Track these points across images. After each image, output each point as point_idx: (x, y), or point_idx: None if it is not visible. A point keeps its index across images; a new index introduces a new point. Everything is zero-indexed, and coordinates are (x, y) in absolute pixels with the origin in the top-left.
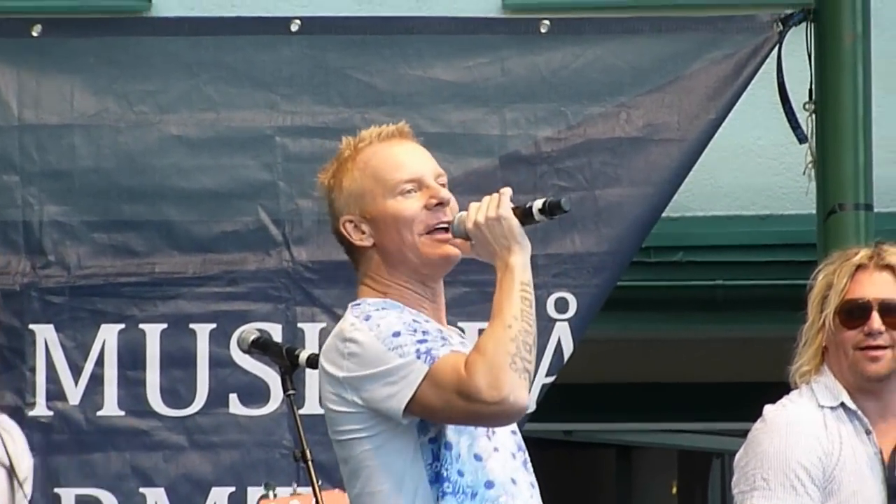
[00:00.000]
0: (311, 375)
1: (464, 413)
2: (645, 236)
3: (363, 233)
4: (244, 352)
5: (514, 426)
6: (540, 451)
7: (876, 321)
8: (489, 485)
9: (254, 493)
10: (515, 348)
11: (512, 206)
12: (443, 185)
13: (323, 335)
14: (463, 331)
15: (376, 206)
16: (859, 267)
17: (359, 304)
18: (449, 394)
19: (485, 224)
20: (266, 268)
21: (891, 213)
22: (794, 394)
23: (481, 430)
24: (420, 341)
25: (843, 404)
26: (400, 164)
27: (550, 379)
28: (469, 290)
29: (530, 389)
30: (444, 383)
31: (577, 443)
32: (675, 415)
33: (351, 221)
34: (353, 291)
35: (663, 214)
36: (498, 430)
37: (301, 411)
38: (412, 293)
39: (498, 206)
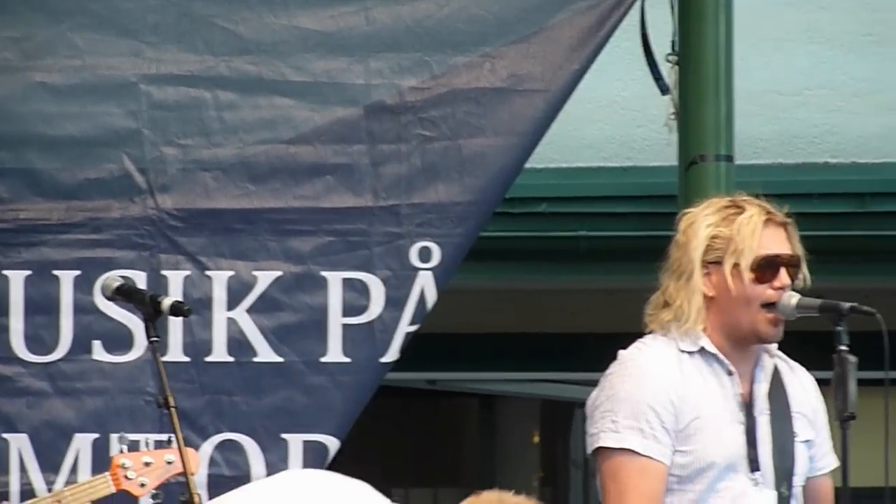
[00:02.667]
0: (175, 322)
1: None
2: (508, 187)
3: None
4: (108, 299)
5: None
6: (403, 400)
7: (785, 276)
8: None
9: (117, 439)
10: None
11: None
12: None
13: (186, 283)
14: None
15: None
16: (765, 222)
17: None
18: None
19: None
20: (130, 215)
21: (751, 166)
22: (648, 338)
23: None
24: None
25: (702, 349)
26: None
27: (414, 328)
28: (334, 239)
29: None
30: None
31: (440, 392)
32: (538, 364)
33: None
34: (219, 239)
35: (527, 165)
36: None
37: (164, 358)
38: None
39: None
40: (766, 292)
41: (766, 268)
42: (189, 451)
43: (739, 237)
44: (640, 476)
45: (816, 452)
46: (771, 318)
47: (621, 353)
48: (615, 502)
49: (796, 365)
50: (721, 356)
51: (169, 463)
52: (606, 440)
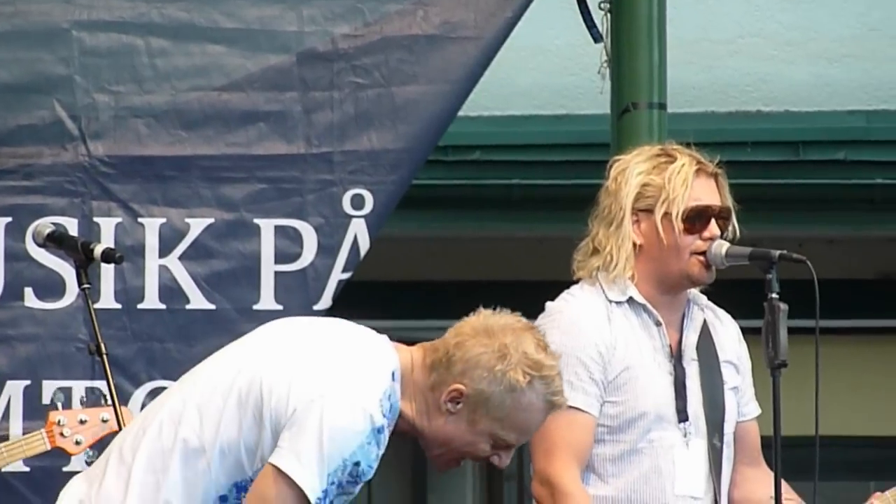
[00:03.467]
0: (107, 269)
1: None
2: (441, 134)
3: (455, 406)
4: (39, 245)
5: None
6: None
7: (714, 227)
8: None
9: (49, 386)
10: None
11: None
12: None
13: (118, 230)
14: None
15: (483, 423)
16: (696, 172)
17: (392, 381)
18: None
19: None
20: (62, 162)
21: (684, 114)
22: (575, 288)
23: None
24: (337, 484)
25: (631, 298)
26: (525, 429)
27: (346, 275)
28: (265, 186)
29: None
30: None
31: None
32: (472, 312)
33: (459, 394)
34: (151, 186)
35: (460, 113)
36: None
37: (96, 305)
38: None
39: None
40: (696, 242)
41: (696, 218)
42: (124, 409)
43: (671, 186)
44: (568, 428)
45: (741, 399)
46: (702, 260)
47: (549, 304)
48: (543, 456)
49: (722, 313)
50: (649, 307)
51: (104, 421)
52: None
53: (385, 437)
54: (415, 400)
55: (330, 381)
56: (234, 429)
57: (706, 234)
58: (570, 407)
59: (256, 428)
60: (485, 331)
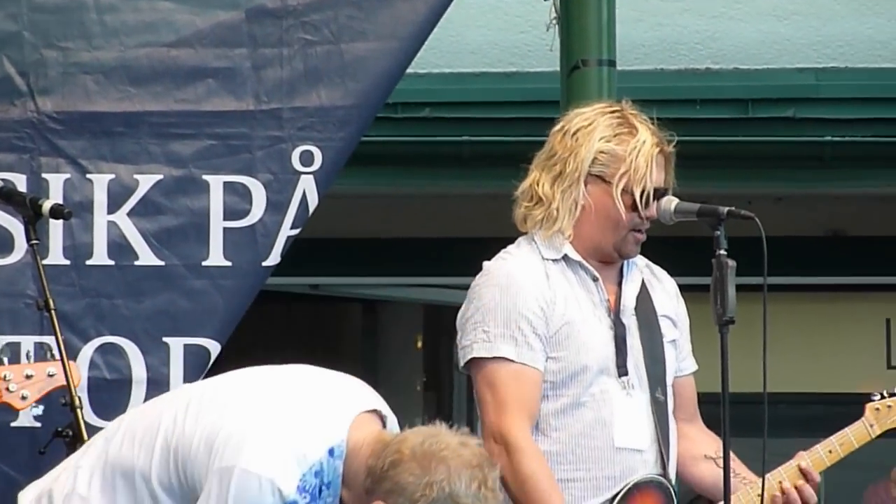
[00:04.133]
0: (55, 225)
1: None
2: (390, 91)
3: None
4: None
5: None
6: (286, 304)
7: (653, 209)
8: None
9: (2, 347)
10: None
11: None
12: None
13: (67, 186)
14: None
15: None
16: (659, 151)
17: (332, 457)
18: None
19: None
20: (10, 118)
21: (633, 72)
22: (512, 247)
23: None
24: None
25: (565, 256)
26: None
27: (295, 231)
28: (215, 143)
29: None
30: None
31: (323, 297)
32: (421, 269)
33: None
34: (100, 142)
35: (410, 70)
36: None
37: (45, 261)
38: None
39: None
40: (636, 219)
41: (648, 199)
42: (71, 364)
43: (634, 165)
44: (517, 382)
45: (679, 354)
46: (638, 237)
47: (486, 264)
48: (494, 411)
49: (659, 270)
50: (585, 263)
51: (51, 376)
52: (479, 350)
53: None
54: (352, 489)
55: (247, 451)
56: (161, 472)
57: (649, 212)
58: (517, 362)
59: (177, 479)
60: (423, 456)
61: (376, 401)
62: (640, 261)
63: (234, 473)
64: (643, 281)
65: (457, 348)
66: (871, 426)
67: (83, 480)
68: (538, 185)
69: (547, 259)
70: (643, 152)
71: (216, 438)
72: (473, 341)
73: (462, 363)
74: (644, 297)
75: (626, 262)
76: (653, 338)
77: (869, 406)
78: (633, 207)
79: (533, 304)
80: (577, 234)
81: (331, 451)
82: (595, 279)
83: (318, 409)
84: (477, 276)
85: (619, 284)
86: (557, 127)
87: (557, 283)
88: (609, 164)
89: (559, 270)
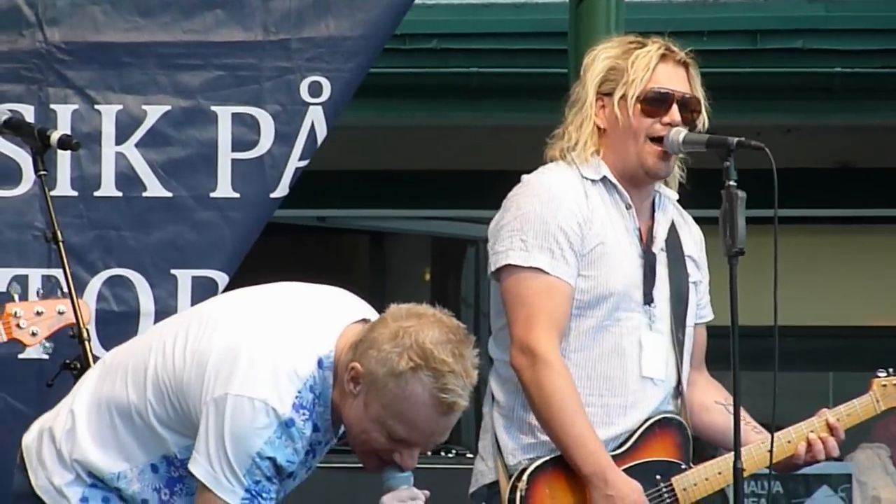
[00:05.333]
0: (63, 157)
1: None
2: (399, 21)
3: (355, 388)
4: None
5: None
6: (294, 237)
7: (676, 113)
8: None
9: (5, 274)
10: None
11: None
12: (420, 449)
13: (75, 117)
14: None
15: (372, 405)
16: (662, 57)
17: (321, 367)
18: None
19: None
20: (18, 48)
21: (641, 2)
22: (551, 164)
23: None
24: (264, 480)
25: (605, 178)
26: (412, 424)
27: (304, 163)
28: (223, 73)
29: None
30: None
31: (330, 229)
32: (430, 202)
33: (355, 372)
34: (108, 73)
35: (418, 1)
36: None
37: (53, 192)
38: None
39: None
40: (654, 126)
41: (654, 102)
42: (81, 302)
43: (632, 69)
44: (548, 297)
45: (701, 300)
46: (658, 151)
47: (525, 176)
48: (523, 324)
49: (688, 216)
50: (621, 188)
51: (60, 313)
52: (515, 258)
53: (302, 429)
54: (339, 385)
55: (237, 376)
56: (156, 409)
57: (666, 119)
58: (551, 275)
59: (172, 410)
60: (400, 315)
61: (366, 310)
62: (673, 198)
63: (227, 401)
64: (673, 221)
65: (471, 277)
66: (878, 402)
67: (82, 418)
68: (563, 123)
69: (586, 178)
70: (643, 57)
71: (206, 368)
72: (509, 248)
73: (493, 268)
74: (673, 235)
75: (658, 196)
76: (679, 275)
77: (876, 381)
78: (645, 112)
79: (571, 220)
80: (605, 157)
81: (319, 363)
82: (628, 206)
83: (305, 324)
84: (515, 188)
85: (652, 218)
86: None
87: (595, 203)
88: (615, 79)
89: (597, 191)
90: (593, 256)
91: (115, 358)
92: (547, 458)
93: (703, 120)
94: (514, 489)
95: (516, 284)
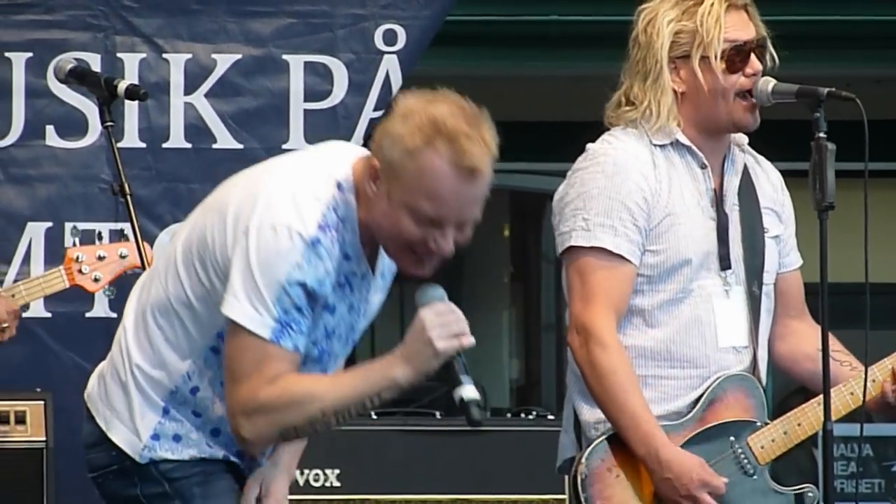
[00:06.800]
0: (131, 107)
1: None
2: None
3: (375, 184)
4: (61, 81)
5: None
6: None
7: (755, 62)
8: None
9: (71, 228)
10: (306, 425)
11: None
12: (462, 226)
13: (142, 66)
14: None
15: (394, 194)
16: (727, 8)
17: (341, 190)
18: (232, 374)
19: (428, 333)
20: None
21: None
22: (617, 131)
23: None
24: (294, 311)
25: (676, 141)
26: (436, 197)
27: (378, 113)
28: (295, 21)
29: None
30: (242, 364)
31: None
32: (507, 154)
33: (375, 169)
34: (176, 21)
35: None
36: None
37: (120, 144)
38: (373, 233)
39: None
40: (740, 80)
41: (734, 55)
42: (146, 245)
43: (704, 29)
44: (608, 276)
45: (783, 248)
46: (747, 105)
47: (590, 146)
48: (580, 302)
49: (763, 160)
50: (694, 148)
51: (123, 257)
52: (578, 239)
53: (330, 249)
54: (363, 204)
55: (253, 214)
56: (190, 282)
57: (748, 70)
58: (613, 254)
59: (204, 275)
60: (409, 100)
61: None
62: (745, 145)
63: (249, 234)
64: (745, 168)
65: (551, 233)
66: None
67: (132, 341)
68: (626, 92)
69: (655, 145)
70: (711, 13)
71: (227, 216)
72: (572, 228)
73: (560, 249)
74: (746, 186)
75: (729, 148)
76: (754, 229)
77: None
78: (728, 69)
79: (637, 195)
80: (685, 120)
81: (339, 186)
82: (703, 166)
83: (319, 159)
84: (579, 159)
85: (723, 172)
86: (632, 35)
87: (663, 171)
88: (687, 42)
89: (666, 156)
90: (661, 229)
91: (147, 272)
92: (611, 433)
93: (771, 56)
94: (578, 464)
95: (578, 265)
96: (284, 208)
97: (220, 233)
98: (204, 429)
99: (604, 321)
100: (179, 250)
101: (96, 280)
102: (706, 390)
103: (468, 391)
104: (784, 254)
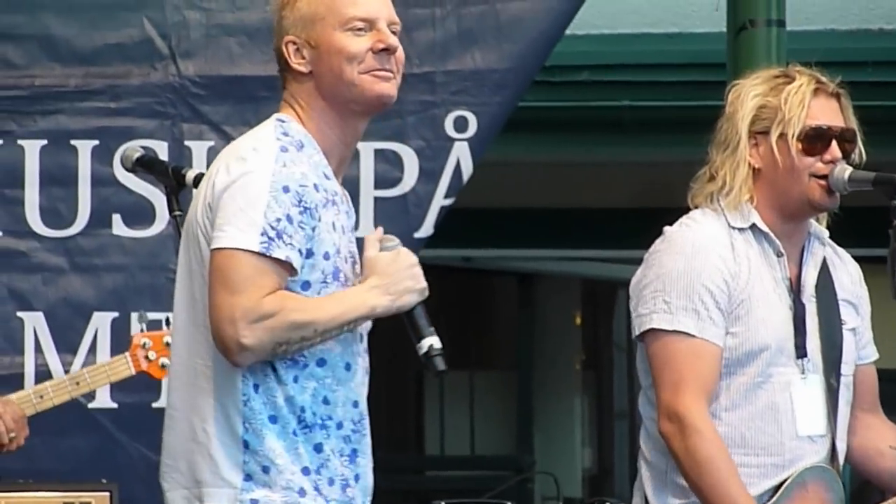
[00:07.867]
0: None
1: (211, 318)
2: (548, 53)
3: (303, 58)
4: (128, 170)
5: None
6: (438, 277)
7: (836, 150)
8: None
9: (137, 318)
10: (298, 341)
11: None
12: (394, 33)
13: (211, 154)
14: None
15: (324, 35)
16: (814, 92)
17: (283, 122)
18: (228, 286)
19: (416, 269)
20: (151, 82)
21: (803, 32)
22: (696, 213)
23: None
24: (284, 220)
25: (753, 225)
26: (357, 1)
27: (449, 201)
28: None
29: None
30: (238, 277)
31: (476, 269)
32: (579, 241)
33: (294, 43)
34: (243, 108)
35: (567, 32)
36: None
37: None
38: (331, 132)
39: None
40: (816, 165)
41: (815, 139)
42: None
43: (787, 107)
44: (696, 360)
45: (860, 341)
46: (823, 185)
47: (668, 229)
48: (670, 389)
49: (843, 252)
50: (772, 235)
51: None
52: (660, 322)
53: (296, 156)
54: (312, 122)
55: (221, 175)
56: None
57: (827, 156)
58: (698, 337)
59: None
60: None
61: None
62: (825, 237)
63: (218, 184)
64: (825, 260)
65: (623, 320)
66: None
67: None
68: (710, 165)
69: (733, 228)
70: (798, 93)
71: (198, 199)
72: (653, 311)
73: (638, 332)
74: (824, 278)
75: (808, 239)
76: (831, 321)
77: None
78: (806, 151)
79: (717, 277)
80: (759, 199)
81: (279, 119)
82: (780, 255)
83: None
84: (656, 242)
85: (801, 264)
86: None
87: (742, 255)
88: (768, 117)
89: (744, 240)
90: (740, 312)
91: None
92: None
93: (859, 152)
94: None
95: (662, 349)
96: (241, 146)
97: (204, 208)
98: None
99: (697, 407)
100: (189, 243)
101: (163, 367)
102: (786, 480)
103: (434, 341)
104: (860, 346)
